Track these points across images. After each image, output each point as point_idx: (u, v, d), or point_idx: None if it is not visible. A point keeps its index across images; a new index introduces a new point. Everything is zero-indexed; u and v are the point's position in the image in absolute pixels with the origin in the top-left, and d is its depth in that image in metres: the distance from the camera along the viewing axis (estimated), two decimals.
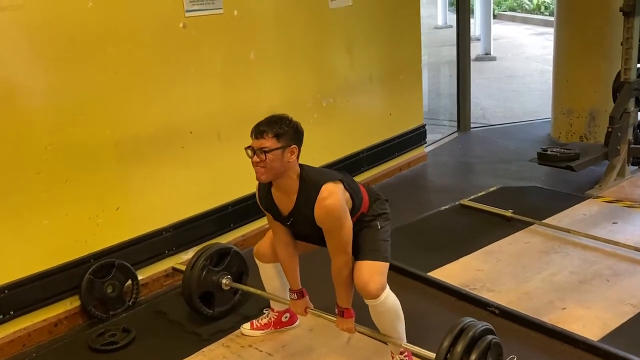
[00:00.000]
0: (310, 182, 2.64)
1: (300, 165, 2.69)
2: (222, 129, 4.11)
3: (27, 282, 3.26)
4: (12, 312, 3.23)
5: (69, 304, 3.47)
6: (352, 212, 2.69)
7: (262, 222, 4.44)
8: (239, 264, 3.44)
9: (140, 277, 3.72)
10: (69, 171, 3.37)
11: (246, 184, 4.20)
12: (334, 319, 2.85)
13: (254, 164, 2.61)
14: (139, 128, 3.65)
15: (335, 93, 4.97)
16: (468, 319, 2.52)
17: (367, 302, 2.71)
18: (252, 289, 3.33)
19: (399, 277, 3.60)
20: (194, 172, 3.98)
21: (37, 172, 3.25)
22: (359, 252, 2.75)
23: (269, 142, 2.56)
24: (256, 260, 3.15)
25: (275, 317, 3.26)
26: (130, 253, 3.66)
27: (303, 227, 2.75)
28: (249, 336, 3.25)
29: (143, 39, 3.62)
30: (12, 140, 3.15)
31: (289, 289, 3.00)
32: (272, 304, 3.26)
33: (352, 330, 2.83)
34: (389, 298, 2.73)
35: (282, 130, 2.57)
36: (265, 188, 2.79)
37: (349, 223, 2.65)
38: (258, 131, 2.59)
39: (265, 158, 2.55)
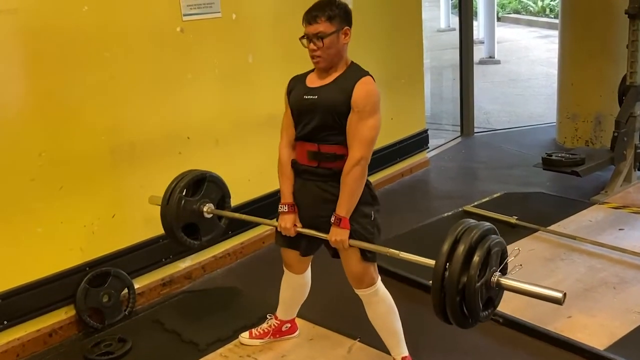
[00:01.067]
0: (357, 69, 2.69)
1: (351, 61, 2.73)
2: (220, 135, 4.11)
3: (21, 291, 3.26)
4: (5, 322, 3.23)
5: (64, 314, 3.47)
6: None
7: (261, 230, 4.45)
8: (218, 188, 3.28)
9: (136, 286, 3.72)
10: (64, 178, 3.37)
11: (244, 191, 4.22)
12: (326, 236, 2.71)
13: (311, 51, 2.63)
14: (135, 134, 3.66)
15: None
16: (468, 222, 2.36)
17: (360, 292, 2.78)
18: (236, 214, 3.23)
19: (401, 285, 3.60)
20: None
21: (31, 178, 3.25)
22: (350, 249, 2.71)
23: (322, 27, 2.59)
24: (285, 270, 3.09)
25: (276, 325, 3.25)
26: (126, 261, 3.66)
27: (324, 106, 2.64)
28: (248, 345, 3.24)
29: (139, 44, 3.63)
30: (6, 146, 3.15)
31: (281, 201, 2.84)
32: (278, 312, 3.25)
33: (345, 243, 2.65)
34: (381, 288, 2.81)
35: (333, 12, 2.60)
36: (301, 76, 2.81)
37: (379, 118, 2.62)
38: (311, 16, 2.61)
39: (323, 44, 2.59)
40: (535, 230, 4.34)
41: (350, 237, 2.66)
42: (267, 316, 3.30)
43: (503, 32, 14.13)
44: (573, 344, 3.05)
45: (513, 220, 4.43)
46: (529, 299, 3.48)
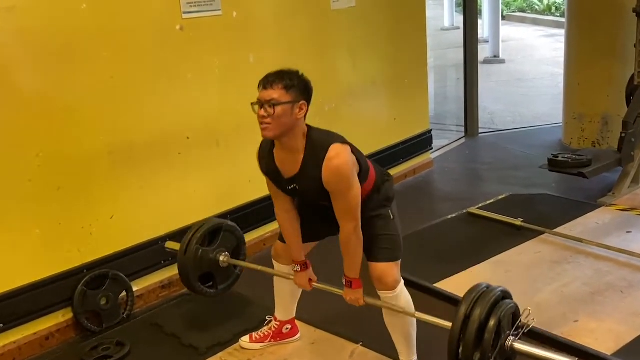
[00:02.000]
0: (318, 141, 2.61)
1: (307, 125, 2.66)
2: (220, 135, 4.11)
3: (17, 293, 3.26)
4: (1, 325, 3.23)
5: (61, 317, 3.47)
6: (360, 179, 2.67)
7: (263, 231, 4.45)
8: (234, 237, 3.38)
9: (135, 289, 3.72)
10: (62, 179, 3.37)
11: (246, 192, 4.23)
12: (342, 291, 2.83)
13: (260, 118, 2.53)
14: (134, 134, 3.66)
15: (338, 97, 4.98)
16: (484, 284, 2.49)
17: (382, 294, 2.77)
18: (252, 265, 3.31)
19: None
20: (191, 179, 3.98)
21: (29, 179, 3.25)
22: (372, 250, 2.76)
23: (277, 94, 2.50)
24: (273, 262, 3.13)
25: (276, 327, 3.25)
26: (124, 263, 3.66)
27: (307, 192, 2.69)
28: (248, 349, 3.24)
29: (139, 42, 3.63)
30: (2, 146, 3.15)
31: (293, 260, 2.94)
32: (276, 312, 3.25)
33: (360, 301, 2.79)
34: (404, 293, 2.79)
35: (291, 83, 2.53)
36: (267, 149, 2.74)
37: (357, 185, 2.61)
38: (267, 81, 2.54)
39: (274, 112, 2.50)
40: (541, 233, 4.34)
41: (377, 241, 2.76)
42: (267, 318, 3.30)
43: (508, 30, 14.13)
44: (580, 348, 3.04)
45: (518, 222, 4.42)
46: (534, 303, 3.50)
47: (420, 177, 5.93)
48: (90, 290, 3.48)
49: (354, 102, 5.14)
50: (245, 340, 3.27)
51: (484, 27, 12.54)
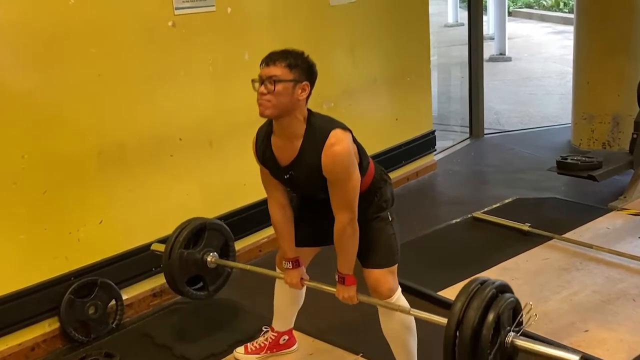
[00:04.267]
0: (318, 126, 2.59)
1: (309, 110, 2.64)
2: (214, 136, 4.11)
3: (1, 302, 3.24)
4: None
5: (48, 326, 3.46)
6: (360, 171, 2.66)
7: (259, 237, 4.45)
8: (221, 235, 3.37)
9: (124, 297, 3.71)
10: (48, 182, 3.36)
11: (241, 195, 4.22)
12: (334, 289, 2.80)
13: (260, 94, 2.50)
14: (124, 135, 3.65)
15: (337, 96, 4.98)
16: (481, 278, 2.45)
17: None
18: (240, 264, 3.31)
19: (406, 296, 3.55)
20: (183, 182, 3.98)
21: (13, 182, 3.24)
22: (368, 256, 2.75)
23: (279, 71, 2.49)
24: (277, 270, 3.10)
25: (272, 338, 3.24)
26: (114, 271, 3.65)
27: (304, 179, 2.66)
28: None
29: (129, 39, 3.63)
30: None
31: (283, 257, 2.92)
32: (274, 323, 3.24)
33: (353, 299, 2.76)
34: (401, 300, 2.78)
35: (295, 62, 2.52)
36: (264, 134, 2.71)
37: (357, 174, 2.59)
38: (269, 58, 2.52)
39: (274, 89, 2.47)
40: (550, 239, 4.34)
41: (374, 239, 2.74)
42: (263, 328, 3.29)
43: (514, 27, 14.18)
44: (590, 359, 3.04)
45: (525, 227, 4.42)
46: (542, 312, 3.49)
47: (423, 180, 5.93)
48: (77, 299, 3.47)
49: (353, 101, 5.14)
50: (240, 351, 3.26)
51: (489, 24, 12.56)
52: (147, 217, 3.81)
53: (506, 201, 5.08)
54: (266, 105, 2.50)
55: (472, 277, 2.43)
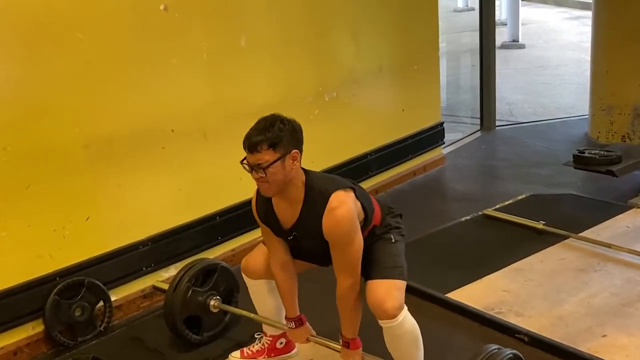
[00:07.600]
0: (318, 189, 2.67)
1: (305, 171, 2.71)
2: (208, 127, 4.10)
3: None
4: None
5: (31, 329, 3.45)
6: (364, 225, 2.73)
7: (256, 235, 4.43)
8: (228, 281, 3.46)
9: (113, 298, 3.71)
10: (32, 176, 3.36)
11: (236, 190, 4.21)
12: (340, 348, 2.86)
13: (256, 180, 2.65)
14: (113, 126, 3.65)
15: (339, 86, 4.97)
16: (492, 347, 2.51)
17: (382, 323, 2.72)
18: (244, 312, 3.33)
19: (412, 298, 3.57)
20: (176, 176, 3.97)
21: None
22: (372, 270, 2.77)
23: (265, 157, 2.57)
24: (244, 277, 3.14)
25: (269, 342, 3.24)
26: (102, 270, 3.64)
27: (307, 242, 2.77)
28: None
29: (118, 24, 3.62)
30: None
31: (286, 316, 3.02)
32: (265, 327, 3.25)
33: None
34: (407, 319, 2.75)
35: (277, 137, 2.57)
36: (264, 197, 2.79)
37: (359, 239, 2.67)
38: (251, 144, 2.58)
39: (266, 174, 2.58)
40: (566, 238, 4.33)
41: (375, 261, 2.77)
42: (255, 335, 3.30)
43: (528, 12, 14.14)
44: None
45: (540, 225, 4.41)
46: (558, 316, 3.49)
47: (431, 175, 5.93)
48: (63, 300, 3.46)
49: (357, 91, 5.13)
50: (236, 355, 3.26)
51: (501, 8, 12.54)
52: (137, 213, 3.80)
53: (519, 198, 5.07)
54: (265, 189, 2.66)
55: (485, 346, 2.50)
